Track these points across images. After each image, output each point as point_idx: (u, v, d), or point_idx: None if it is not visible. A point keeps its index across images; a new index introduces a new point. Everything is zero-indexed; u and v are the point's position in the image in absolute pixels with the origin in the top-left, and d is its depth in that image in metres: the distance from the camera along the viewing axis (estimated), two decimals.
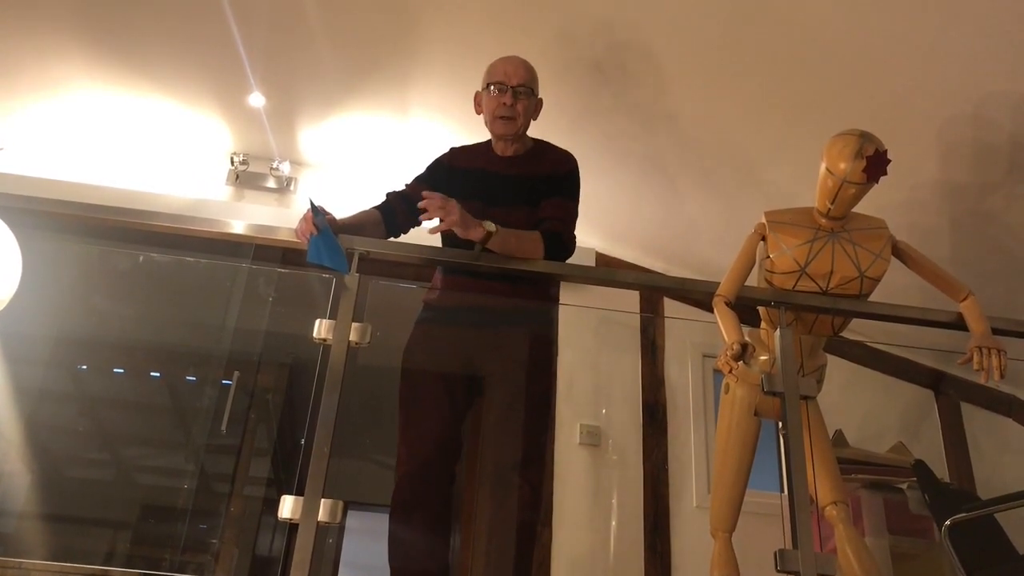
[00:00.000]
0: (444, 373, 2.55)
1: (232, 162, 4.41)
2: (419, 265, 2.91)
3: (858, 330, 4.03)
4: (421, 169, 2.79)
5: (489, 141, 2.76)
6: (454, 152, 2.79)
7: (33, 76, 4.01)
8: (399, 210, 2.65)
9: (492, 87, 2.64)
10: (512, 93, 2.61)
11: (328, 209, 2.41)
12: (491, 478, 2.47)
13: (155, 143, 4.38)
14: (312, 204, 2.36)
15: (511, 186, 2.63)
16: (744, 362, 2.23)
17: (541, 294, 2.72)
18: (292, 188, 4.46)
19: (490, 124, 2.69)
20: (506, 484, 2.43)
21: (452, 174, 2.70)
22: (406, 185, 2.73)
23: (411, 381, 2.58)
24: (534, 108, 2.70)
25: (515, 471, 2.43)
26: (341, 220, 2.47)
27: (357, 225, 2.53)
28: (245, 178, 4.43)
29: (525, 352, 2.57)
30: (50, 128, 4.29)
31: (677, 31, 3.33)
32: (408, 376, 2.58)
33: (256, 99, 4.07)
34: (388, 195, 2.72)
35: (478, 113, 2.73)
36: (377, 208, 2.67)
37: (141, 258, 3.42)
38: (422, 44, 3.66)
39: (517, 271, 2.51)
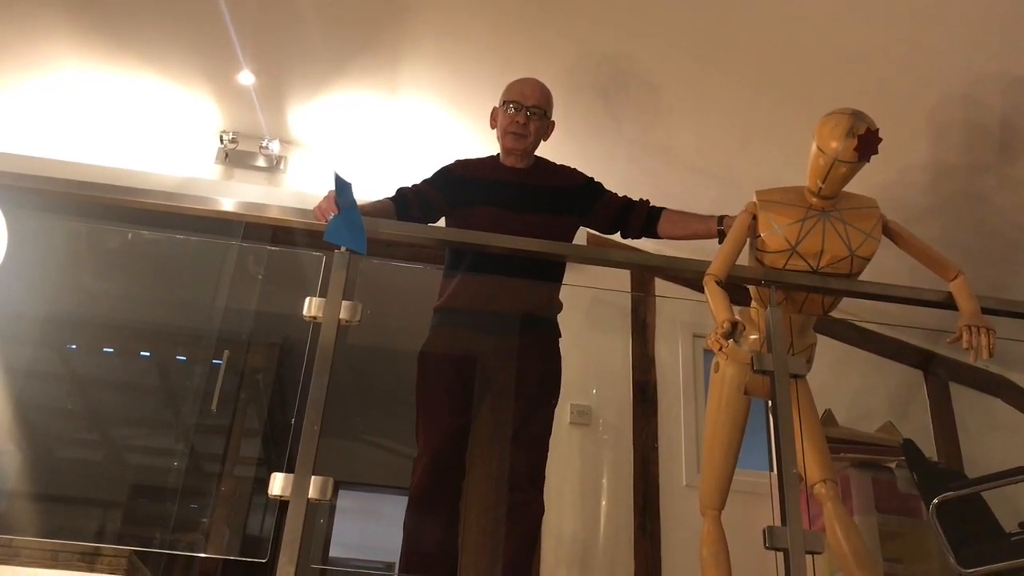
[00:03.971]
0: (457, 371, 2.70)
1: (221, 140, 4.38)
2: (411, 245, 2.92)
3: (848, 310, 4.03)
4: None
5: (495, 156, 2.89)
6: (461, 164, 2.88)
7: (20, 54, 3.97)
8: (414, 204, 2.72)
9: (508, 105, 2.79)
10: (526, 113, 2.76)
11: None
12: (496, 480, 2.64)
13: (144, 121, 4.34)
14: (337, 178, 2.36)
15: (528, 195, 2.78)
16: (734, 341, 2.24)
17: (549, 293, 2.84)
18: (281, 167, 4.43)
19: (502, 138, 2.84)
20: (512, 492, 2.60)
21: (465, 183, 2.81)
22: (415, 185, 2.80)
23: (427, 380, 2.71)
24: (545, 129, 2.84)
25: (524, 482, 2.61)
26: None
27: (370, 213, 2.56)
28: (234, 157, 4.40)
29: (534, 353, 2.75)
30: (37, 106, 4.25)
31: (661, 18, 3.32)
32: (424, 375, 2.72)
33: (245, 77, 4.03)
34: (400, 190, 2.77)
35: (492, 127, 2.87)
36: (391, 199, 2.73)
37: (130, 236, 3.41)
38: (412, 23, 3.63)
39: (510, 250, 2.54)
